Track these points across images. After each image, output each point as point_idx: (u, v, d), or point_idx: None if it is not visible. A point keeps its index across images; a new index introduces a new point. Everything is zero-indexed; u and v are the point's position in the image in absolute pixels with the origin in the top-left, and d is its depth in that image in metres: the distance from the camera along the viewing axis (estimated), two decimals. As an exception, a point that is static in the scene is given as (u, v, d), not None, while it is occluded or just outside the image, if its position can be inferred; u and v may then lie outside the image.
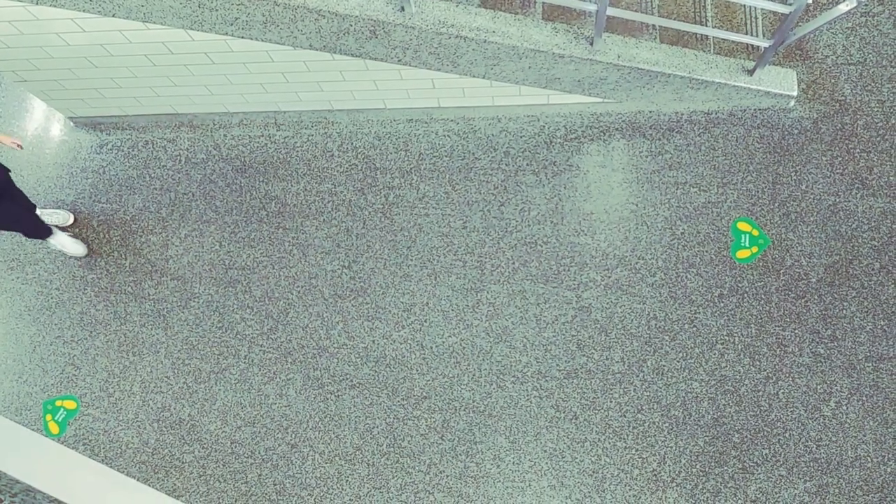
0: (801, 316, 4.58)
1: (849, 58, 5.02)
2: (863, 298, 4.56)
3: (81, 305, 5.26)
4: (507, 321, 4.81)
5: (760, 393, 4.48)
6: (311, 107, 5.37)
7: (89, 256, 5.35)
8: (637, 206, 4.93)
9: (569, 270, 4.85)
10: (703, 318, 4.65)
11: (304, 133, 5.46)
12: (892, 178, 4.75)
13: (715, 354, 4.58)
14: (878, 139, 4.83)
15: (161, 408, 4.96)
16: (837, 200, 4.75)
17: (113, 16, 4.41)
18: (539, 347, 4.73)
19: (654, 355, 4.63)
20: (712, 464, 4.40)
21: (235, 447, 4.82)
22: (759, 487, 4.33)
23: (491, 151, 5.19)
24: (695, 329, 4.64)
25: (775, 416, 4.43)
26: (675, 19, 4.75)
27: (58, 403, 5.07)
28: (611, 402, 4.58)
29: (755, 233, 4.76)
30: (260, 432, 4.82)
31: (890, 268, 4.59)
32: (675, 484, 4.40)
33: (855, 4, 3.93)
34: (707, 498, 4.35)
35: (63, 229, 5.34)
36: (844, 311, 4.55)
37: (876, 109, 4.89)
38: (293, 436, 4.78)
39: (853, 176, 4.79)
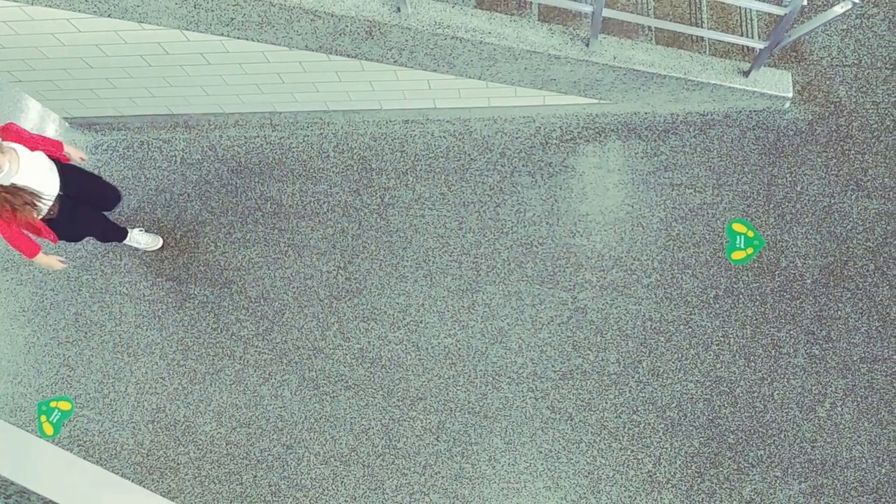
0: (796, 317, 4.59)
1: (844, 59, 5.03)
2: (857, 299, 4.57)
3: (76, 306, 5.25)
4: (503, 322, 4.81)
5: (755, 394, 4.48)
6: (306, 107, 5.37)
7: (83, 258, 5.33)
8: (633, 207, 4.94)
9: (564, 271, 4.86)
10: (699, 319, 4.66)
11: (300, 134, 5.46)
12: (886, 179, 4.76)
13: (710, 355, 4.58)
14: (873, 141, 4.84)
15: (156, 409, 4.95)
16: (832, 202, 4.76)
17: (108, 16, 4.40)
18: (534, 348, 4.73)
19: (649, 356, 4.63)
20: (707, 465, 4.41)
21: (230, 448, 4.81)
22: (755, 488, 4.34)
23: (487, 152, 5.19)
24: (690, 330, 4.64)
25: (770, 416, 4.44)
26: (670, 21, 4.76)
27: (52, 404, 5.06)
28: (606, 403, 4.59)
29: (750, 234, 4.76)
30: (255, 433, 4.81)
31: (885, 269, 4.60)
32: (670, 485, 4.40)
33: (850, 6, 3.94)
34: (702, 499, 4.35)
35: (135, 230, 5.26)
36: (839, 313, 4.56)
37: (871, 111, 4.90)
38: (288, 437, 4.78)
39: (848, 177, 4.80)
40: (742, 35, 4.89)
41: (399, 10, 4.26)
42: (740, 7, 4.92)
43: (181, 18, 4.37)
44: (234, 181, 5.37)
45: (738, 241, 4.77)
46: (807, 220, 4.75)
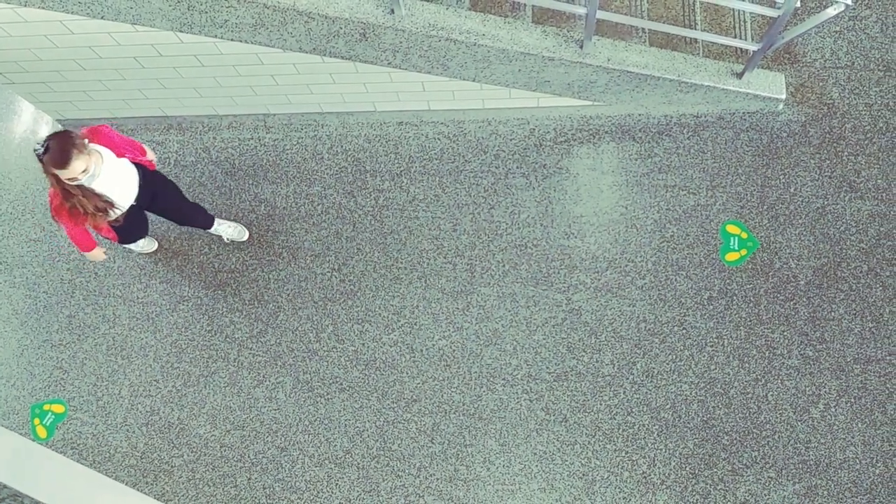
0: (790, 318, 4.60)
1: (837, 61, 5.05)
2: (851, 301, 4.58)
3: (70, 309, 5.24)
4: (497, 324, 4.81)
5: (749, 395, 4.49)
6: (300, 109, 5.36)
7: (77, 260, 5.32)
8: (627, 208, 4.94)
9: (559, 273, 4.86)
10: (693, 320, 4.67)
11: (294, 136, 5.45)
12: (879, 180, 4.77)
13: (704, 357, 4.59)
14: (866, 142, 4.86)
15: (150, 411, 4.94)
16: (826, 203, 4.77)
17: (101, 18, 4.39)
18: (529, 350, 4.73)
19: (643, 358, 4.64)
20: (702, 466, 4.41)
21: (225, 451, 4.80)
22: (749, 489, 4.34)
23: (481, 154, 5.20)
24: (684, 331, 4.65)
25: (764, 418, 4.45)
26: (664, 22, 4.76)
27: (46, 407, 5.04)
28: (601, 404, 4.59)
29: (744, 235, 4.77)
30: (249, 436, 4.81)
31: (878, 270, 4.61)
32: (664, 486, 4.40)
33: (843, 8, 3.95)
34: (696, 500, 4.36)
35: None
36: (833, 314, 4.57)
37: (864, 112, 4.92)
38: (283, 439, 4.77)
39: (841, 179, 4.82)
40: (735, 37, 4.90)
41: (393, 11, 4.25)
42: (734, 9, 4.93)
43: (174, 20, 4.37)
44: (227, 183, 5.36)
45: (731, 243, 4.78)
46: (800, 221, 4.76)
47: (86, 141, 3.79)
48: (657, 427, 4.51)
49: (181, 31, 4.47)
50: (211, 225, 5.01)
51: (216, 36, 4.49)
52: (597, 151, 5.11)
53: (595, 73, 4.64)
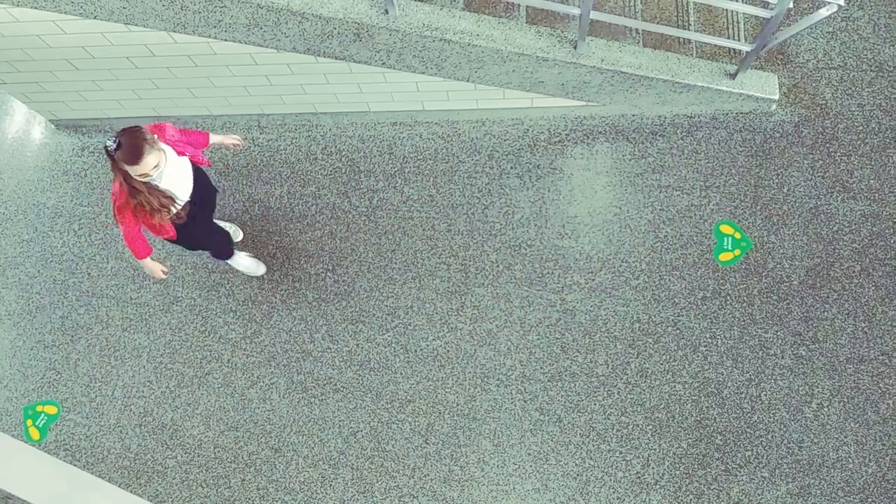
0: (783, 318, 4.61)
1: (829, 62, 5.06)
2: (844, 301, 4.59)
3: (63, 310, 5.22)
4: (492, 324, 4.81)
5: (743, 395, 4.50)
6: (294, 110, 5.36)
7: (69, 261, 5.30)
8: (620, 209, 4.95)
9: (553, 273, 4.86)
10: (687, 320, 4.67)
11: (288, 136, 5.45)
12: (872, 181, 4.79)
13: (698, 357, 4.60)
14: (859, 143, 4.87)
15: (143, 412, 4.93)
16: (818, 203, 4.79)
17: (94, 18, 4.38)
18: (523, 350, 4.74)
19: (637, 358, 4.64)
20: (695, 466, 4.42)
21: (218, 452, 4.79)
22: (742, 489, 4.35)
23: (475, 154, 5.20)
24: (678, 332, 4.66)
25: (758, 418, 4.46)
26: (658, 23, 4.77)
27: (38, 409, 5.02)
28: (595, 404, 4.59)
29: (737, 236, 4.79)
30: (243, 437, 4.80)
31: (870, 270, 4.63)
32: (658, 486, 4.41)
33: (835, 9, 3.96)
34: (690, 500, 4.36)
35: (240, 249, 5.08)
36: (826, 314, 4.59)
37: (856, 113, 4.94)
38: (276, 440, 4.76)
39: (834, 179, 4.83)
40: (729, 37, 4.91)
41: (387, 12, 4.25)
42: (727, 10, 4.95)
43: (168, 20, 4.36)
44: (221, 184, 5.35)
45: (725, 243, 4.79)
46: (793, 221, 4.77)
47: (156, 136, 3.72)
48: (651, 427, 4.52)
49: (174, 31, 4.46)
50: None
51: (210, 36, 4.48)
52: (591, 152, 5.11)
53: (589, 74, 4.64)
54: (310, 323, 4.97)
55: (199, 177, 4.30)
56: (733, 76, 4.77)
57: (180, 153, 4.01)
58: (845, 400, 4.43)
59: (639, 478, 4.45)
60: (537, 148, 5.15)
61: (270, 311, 5.02)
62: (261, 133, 5.48)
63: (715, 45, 4.88)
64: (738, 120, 5.03)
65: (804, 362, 4.52)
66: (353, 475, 4.64)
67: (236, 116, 5.47)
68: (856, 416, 4.40)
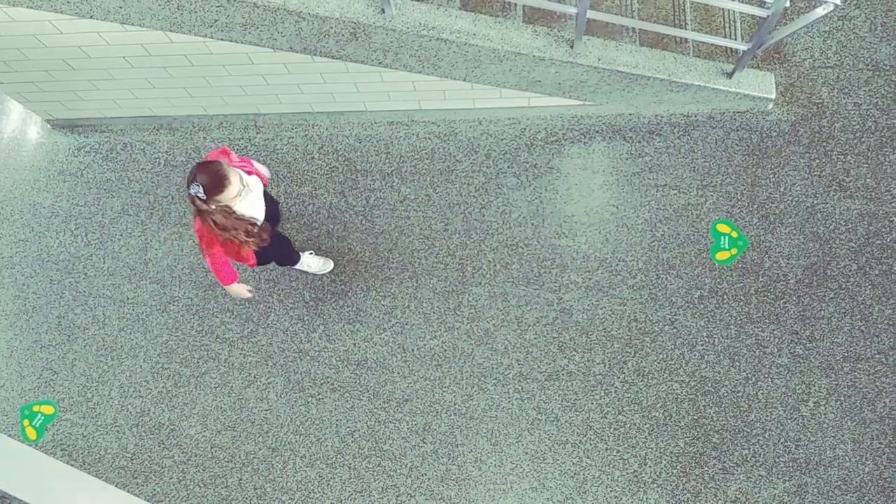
0: (780, 317, 4.61)
1: (826, 61, 5.07)
2: (840, 299, 4.60)
3: (59, 310, 5.21)
4: (489, 323, 4.81)
5: (740, 394, 4.51)
6: (291, 109, 5.35)
7: (66, 261, 5.30)
8: (617, 208, 4.95)
9: (550, 272, 4.86)
10: (684, 319, 4.68)
11: (285, 135, 5.44)
12: (868, 180, 4.79)
13: (695, 356, 4.60)
14: (855, 142, 4.88)
15: (140, 412, 4.92)
16: (815, 202, 4.79)
17: (90, 17, 4.38)
18: (520, 350, 4.74)
19: (634, 357, 4.65)
20: (692, 464, 4.42)
21: (215, 451, 4.79)
22: (739, 488, 4.36)
23: (472, 154, 5.20)
24: (675, 330, 4.66)
25: (755, 416, 4.46)
26: (654, 22, 4.77)
27: (35, 408, 5.02)
28: (592, 403, 4.60)
29: (734, 234, 4.79)
30: (240, 436, 4.79)
31: (867, 269, 4.63)
32: (655, 485, 4.41)
33: (832, 8, 3.97)
34: (687, 498, 4.37)
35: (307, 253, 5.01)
36: (822, 312, 4.59)
37: (853, 112, 4.94)
38: (274, 439, 4.76)
39: (830, 178, 4.84)
40: (725, 37, 4.91)
41: (383, 11, 4.25)
42: (724, 9, 4.95)
43: (164, 20, 4.35)
44: (218, 183, 5.34)
45: (722, 242, 4.80)
46: (790, 220, 4.78)
47: (225, 163, 3.66)
48: (648, 426, 4.52)
49: (171, 31, 4.45)
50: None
51: (206, 35, 4.48)
52: (587, 151, 5.12)
53: (586, 73, 4.64)
54: (307, 322, 4.96)
55: (266, 195, 4.20)
56: (730, 75, 4.78)
57: (249, 173, 3.95)
58: (842, 398, 4.44)
59: (636, 476, 4.45)
60: (534, 147, 5.15)
61: (267, 311, 5.02)
62: (257, 132, 5.47)
63: (712, 45, 4.88)
64: (734, 119, 5.03)
65: (801, 361, 4.52)
66: (350, 474, 4.64)
67: (233, 116, 5.47)
68: (853, 414, 4.41)
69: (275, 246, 4.27)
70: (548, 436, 4.58)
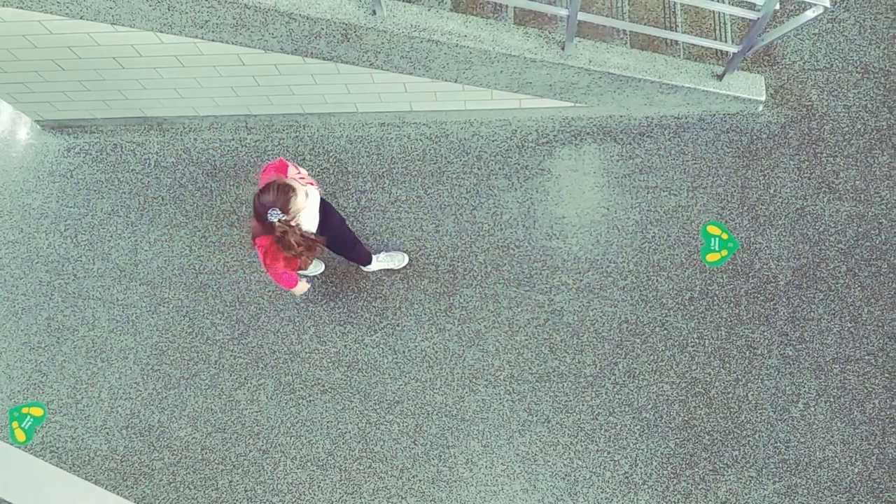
0: (770, 318, 4.63)
1: (815, 63, 5.09)
2: (830, 301, 4.62)
3: (48, 311, 5.19)
4: (480, 325, 4.81)
5: (730, 395, 4.52)
6: (282, 110, 5.34)
7: (55, 262, 5.28)
8: (608, 209, 4.96)
9: (541, 274, 4.87)
10: (674, 320, 4.69)
11: (276, 137, 5.43)
12: (857, 182, 4.82)
13: (685, 357, 4.61)
14: (844, 144, 4.90)
15: (130, 414, 4.90)
16: (805, 204, 4.81)
17: (80, 18, 4.36)
18: (511, 351, 4.74)
19: (625, 358, 4.65)
20: (683, 466, 4.43)
21: (206, 453, 4.77)
22: (730, 489, 4.37)
23: (463, 155, 5.20)
24: (665, 332, 4.67)
25: (745, 417, 4.47)
26: (645, 24, 4.79)
27: (24, 410, 4.99)
28: (583, 405, 4.60)
29: (725, 236, 4.80)
30: (231, 438, 4.78)
31: (856, 271, 4.65)
32: (646, 486, 4.42)
33: (821, 10, 3.99)
34: (678, 500, 4.37)
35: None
36: (812, 314, 4.61)
37: (842, 114, 4.96)
38: (264, 441, 4.75)
39: (820, 180, 4.86)
40: (716, 39, 4.93)
41: (374, 12, 4.25)
42: (714, 11, 4.97)
43: (155, 20, 4.34)
44: (208, 184, 5.33)
45: (712, 244, 4.81)
46: (780, 222, 4.79)
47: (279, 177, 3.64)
48: (639, 427, 4.53)
49: (161, 32, 4.44)
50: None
51: (197, 36, 4.47)
52: (578, 153, 5.12)
53: (577, 75, 4.65)
54: (298, 324, 4.95)
55: (324, 204, 4.18)
56: (720, 77, 4.79)
57: (308, 184, 3.92)
58: (832, 399, 4.45)
59: (627, 478, 4.45)
60: (525, 149, 5.16)
61: (258, 313, 5.01)
62: (248, 134, 5.46)
63: (702, 47, 4.90)
64: (725, 121, 5.05)
65: (791, 362, 4.54)
66: (341, 476, 4.63)
67: (224, 117, 5.46)
68: (842, 415, 4.42)
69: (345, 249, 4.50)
70: (539, 437, 4.58)
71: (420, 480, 4.57)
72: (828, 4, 3.94)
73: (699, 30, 4.94)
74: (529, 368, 4.70)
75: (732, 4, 4.66)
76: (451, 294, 4.90)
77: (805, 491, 4.32)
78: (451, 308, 4.87)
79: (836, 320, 4.58)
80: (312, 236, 3.77)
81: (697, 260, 4.79)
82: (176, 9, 4.22)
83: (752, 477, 4.38)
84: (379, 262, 4.90)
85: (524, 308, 4.81)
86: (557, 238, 4.93)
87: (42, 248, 5.33)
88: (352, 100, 5.14)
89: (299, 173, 3.93)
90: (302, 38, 4.40)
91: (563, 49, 4.51)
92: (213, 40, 4.49)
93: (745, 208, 4.85)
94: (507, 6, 4.61)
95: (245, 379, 4.88)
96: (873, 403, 4.43)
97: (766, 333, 4.60)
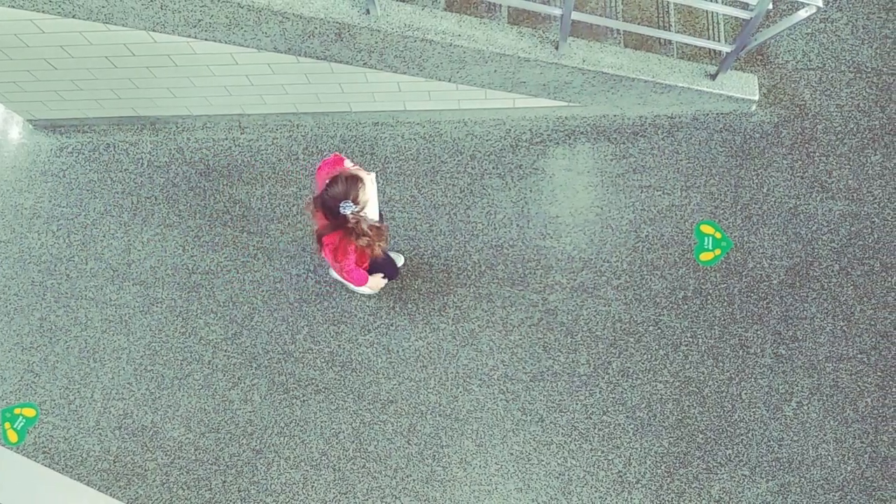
0: (763, 317, 4.64)
1: (808, 63, 5.11)
2: (823, 300, 4.63)
3: (41, 311, 5.17)
4: (474, 324, 4.81)
5: (724, 394, 4.53)
6: (275, 110, 5.34)
7: (48, 262, 5.25)
8: (602, 209, 4.97)
9: (535, 273, 4.87)
10: (668, 319, 4.69)
11: (269, 136, 5.43)
12: (850, 181, 4.83)
13: (679, 356, 4.62)
14: (837, 143, 4.92)
15: (123, 415, 4.89)
16: (798, 203, 4.83)
17: (73, 17, 4.35)
18: (505, 350, 4.74)
19: (619, 357, 4.66)
20: (677, 464, 4.44)
21: (199, 454, 4.76)
22: (723, 487, 4.37)
23: (457, 155, 5.20)
24: (659, 331, 4.68)
25: (738, 416, 4.48)
26: (638, 24, 4.79)
27: (17, 411, 4.97)
28: (576, 404, 4.60)
29: (718, 235, 4.81)
30: (224, 438, 4.77)
31: (849, 269, 4.67)
32: (640, 485, 4.42)
33: (814, 10, 4.00)
34: (672, 498, 4.38)
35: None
36: (805, 313, 4.62)
37: (834, 114, 4.98)
38: (258, 441, 4.74)
39: (813, 179, 4.87)
40: (709, 38, 4.94)
41: (368, 12, 4.25)
42: (707, 11, 4.98)
43: (147, 20, 4.33)
44: (202, 184, 5.32)
45: (706, 243, 4.82)
46: (773, 221, 4.81)
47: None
48: (633, 426, 4.53)
49: (154, 31, 4.43)
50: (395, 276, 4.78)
51: (190, 35, 4.46)
52: (572, 152, 5.13)
53: (570, 74, 4.65)
54: (291, 324, 4.95)
55: None
56: (714, 77, 4.80)
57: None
58: (824, 398, 4.47)
59: (621, 477, 4.46)
60: (519, 148, 5.16)
61: (251, 312, 5.00)
62: (242, 133, 5.45)
63: (695, 46, 4.91)
64: (718, 120, 5.06)
65: (784, 361, 4.55)
66: (335, 476, 4.63)
67: (217, 116, 5.44)
68: (835, 414, 4.44)
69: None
70: (533, 436, 4.58)
71: (414, 480, 4.57)
72: (820, 4, 3.95)
73: (692, 29, 4.95)
74: (523, 368, 4.70)
75: (726, 4, 4.67)
76: (445, 293, 4.89)
77: (798, 489, 4.33)
78: (445, 307, 4.87)
79: (829, 319, 4.60)
80: (377, 224, 3.72)
81: (691, 259, 4.80)
82: (169, 8, 4.21)
83: (745, 475, 4.39)
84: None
85: (518, 307, 4.81)
86: (551, 237, 4.94)
87: (34, 248, 5.31)
88: (346, 99, 5.13)
89: (354, 166, 3.87)
90: (295, 37, 4.40)
91: (556, 48, 4.51)
92: (206, 39, 4.49)
93: (739, 207, 4.86)
94: (500, 5, 4.61)
95: (238, 379, 4.87)
96: (866, 402, 4.44)
97: (759, 332, 4.61)
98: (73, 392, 4.97)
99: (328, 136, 5.36)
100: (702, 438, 4.47)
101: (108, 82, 5.04)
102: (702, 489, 4.39)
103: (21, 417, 4.95)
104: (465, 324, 4.82)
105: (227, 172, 5.34)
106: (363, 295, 4.93)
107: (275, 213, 5.18)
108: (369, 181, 3.61)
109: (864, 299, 4.61)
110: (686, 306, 4.70)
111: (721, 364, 4.58)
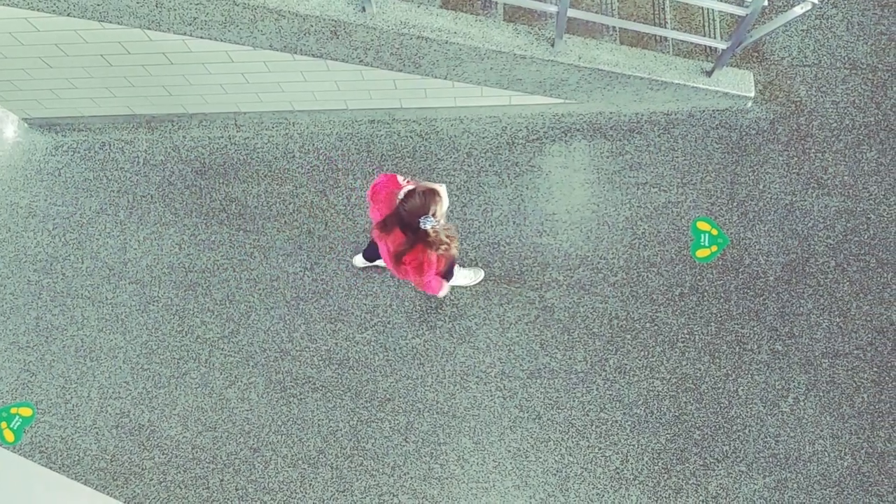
0: (760, 314, 4.65)
1: (804, 59, 5.11)
2: (819, 296, 4.64)
3: (37, 310, 5.16)
4: (471, 322, 4.81)
5: (720, 390, 4.54)
6: (271, 107, 5.33)
7: (44, 261, 5.24)
8: (598, 206, 4.97)
9: (531, 271, 4.87)
10: (664, 316, 4.70)
11: (265, 134, 5.42)
12: (846, 177, 4.84)
13: (676, 353, 4.63)
14: (833, 139, 4.92)
15: (120, 414, 4.88)
16: (794, 200, 4.83)
17: (68, 15, 4.33)
18: (502, 348, 4.74)
19: (616, 354, 4.66)
20: (674, 461, 4.45)
21: (196, 452, 4.75)
22: (720, 483, 4.38)
23: (453, 152, 5.20)
24: (656, 328, 4.68)
25: (735, 412, 4.49)
26: (634, 21, 4.79)
27: (13, 411, 4.96)
28: (574, 401, 4.61)
29: (714, 232, 4.82)
30: (221, 437, 4.77)
31: (845, 266, 4.67)
32: (637, 482, 4.43)
33: (809, 7, 4.00)
34: (669, 495, 4.39)
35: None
36: (801, 309, 4.63)
37: (830, 110, 4.98)
38: (255, 440, 4.74)
39: (809, 175, 4.88)
40: (705, 35, 4.94)
41: (364, 9, 4.24)
42: (703, 7, 4.98)
43: (143, 17, 4.32)
44: (198, 182, 5.31)
45: (702, 239, 4.82)
46: (769, 217, 4.81)
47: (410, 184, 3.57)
48: (630, 423, 4.54)
49: (150, 29, 4.42)
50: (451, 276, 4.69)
51: (185, 33, 4.45)
52: (569, 149, 5.13)
53: (566, 72, 4.65)
54: (288, 322, 4.94)
55: None
56: (709, 74, 4.81)
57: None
58: (821, 394, 4.48)
59: (618, 473, 4.47)
60: (515, 145, 5.16)
61: (248, 311, 4.99)
62: (237, 131, 5.44)
63: (691, 43, 4.91)
64: (714, 117, 5.06)
65: (780, 357, 4.56)
66: (332, 474, 4.63)
67: (213, 114, 5.43)
68: (831, 410, 4.45)
69: None
70: (530, 433, 4.58)
71: (412, 478, 4.57)
72: (816, 1, 3.95)
73: (688, 26, 4.95)
74: (520, 365, 4.70)
75: (721, 1, 4.67)
76: (442, 291, 4.89)
77: (795, 485, 4.34)
78: (442, 305, 4.87)
79: (825, 315, 4.61)
80: (450, 227, 3.62)
81: (687, 256, 4.80)
82: (164, 6, 4.19)
83: (742, 471, 4.40)
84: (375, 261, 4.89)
85: (515, 305, 4.81)
86: (548, 235, 4.94)
87: (30, 247, 5.30)
88: (342, 97, 5.13)
89: (407, 181, 3.78)
90: (291, 34, 4.39)
91: (552, 46, 4.51)
92: (201, 37, 4.47)
93: (735, 204, 4.86)
94: (496, 3, 4.60)
95: (235, 377, 4.87)
96: (862, 398, 4.45)
97: (755, 329, 4.62)
98: (69, 391, 4.96)
99: (324, 133, 5.35)
100: (699, 435, 4.48)
101: (103, 80, 5.03)
102: (699, 485, 4.39)
103: (17, 417, 4.94)
104: (462, 321, 4.82)
105: (223, 170, 5.33)
106: (361, 292, 4.93)
107: (271, 211, 5.18)
108: (444, 192, 3.55)
109: (860, 295, 4.62)
110: (682, 303, 4.71)
111: (718, 360, 4.59)
